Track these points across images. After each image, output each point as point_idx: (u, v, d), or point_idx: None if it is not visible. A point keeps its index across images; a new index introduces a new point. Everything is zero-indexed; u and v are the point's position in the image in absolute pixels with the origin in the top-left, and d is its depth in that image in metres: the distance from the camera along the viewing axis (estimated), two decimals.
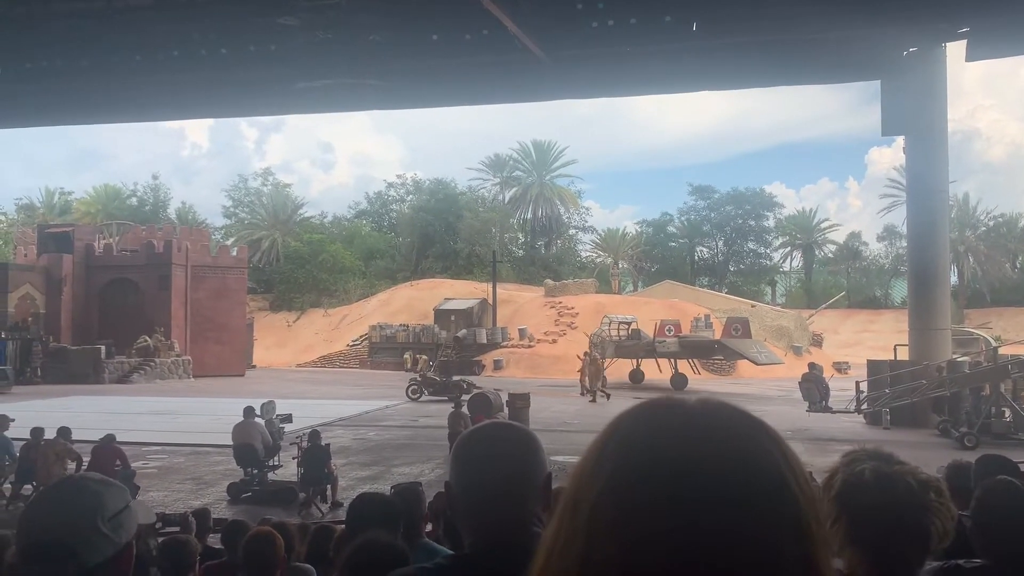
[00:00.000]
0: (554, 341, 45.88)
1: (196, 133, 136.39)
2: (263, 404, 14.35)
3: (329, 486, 13.03)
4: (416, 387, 30.27)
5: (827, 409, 23.32)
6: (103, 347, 39.27)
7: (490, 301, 49.52)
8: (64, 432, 13.05)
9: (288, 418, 14.49)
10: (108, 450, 12.56)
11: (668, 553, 0.65)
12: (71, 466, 12.48)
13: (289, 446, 13.80)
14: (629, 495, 0.68)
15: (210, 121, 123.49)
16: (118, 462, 12.35)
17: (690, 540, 0.65)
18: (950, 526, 1.75)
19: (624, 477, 0.69)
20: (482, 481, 1.59)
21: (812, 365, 25.52)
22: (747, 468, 0.68)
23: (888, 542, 1.66)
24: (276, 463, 13.69)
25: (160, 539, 5.20)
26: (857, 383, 23.79)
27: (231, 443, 13.73)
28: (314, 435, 13.32)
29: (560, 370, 42.19)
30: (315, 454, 12.82)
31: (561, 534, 0.71)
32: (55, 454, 12.47)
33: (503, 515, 1.58)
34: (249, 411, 13.80)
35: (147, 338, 40.80)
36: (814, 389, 23.73)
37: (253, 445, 13.25)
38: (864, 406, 22.80)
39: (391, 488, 4.65)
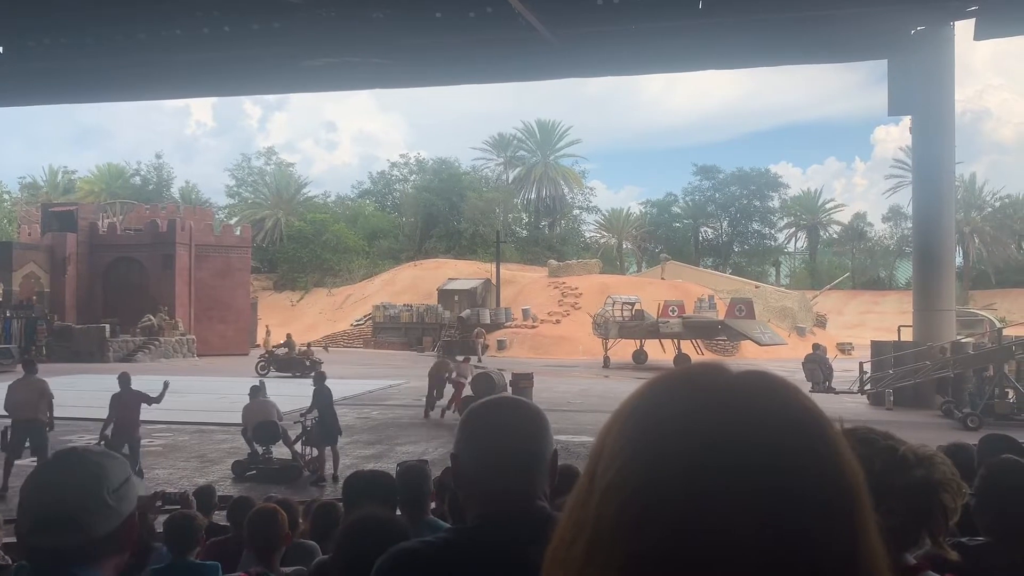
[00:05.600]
0: (557, 321, 45.91)
1: (200, 111, 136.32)
2: (252, 387, 14.24)
3: (330, 463, 13.20)
4: (264, 363, 31.00)
5: (830, 390, 23.35)
6: (108, 326, 39.39)
7: (494, 281, 49.53)
8: (257, 390, 13.74)
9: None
10: (131, 395, 13.09)
11: (710, 540, 0.59)
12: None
13: (293, 424, 13.88)
14: (677, 480, 0.60)
15: (213, 99, 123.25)
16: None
17: (738, 526, 0.58)
18: (960, 503, 1.78)
19: (667, 460, 0.62)
20: (491, 449, 1.57)
21: (816, 346, 25.53)
22: (806, 451, 0.62)
23: (923, 521, 1.70)
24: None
25: (166, 515, 5.23)
26: (861, 364, 23.81)
27: (241, 423, 13.69)
28: (319, 377, 13.68)
29: (563, 350, 42.26)
30: (325, 400, 13.20)
31: (584, 517, 0.65)
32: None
33: (510, 486, 1.56)
34: (256, 389, 13.80)
35: (151, 317, 40.91)
36: (817, 370, 23.76)
37: (274, 421, 13.25)
38: (868, 386, 22.83)
39: (397, 465, 4.66)
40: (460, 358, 21.56)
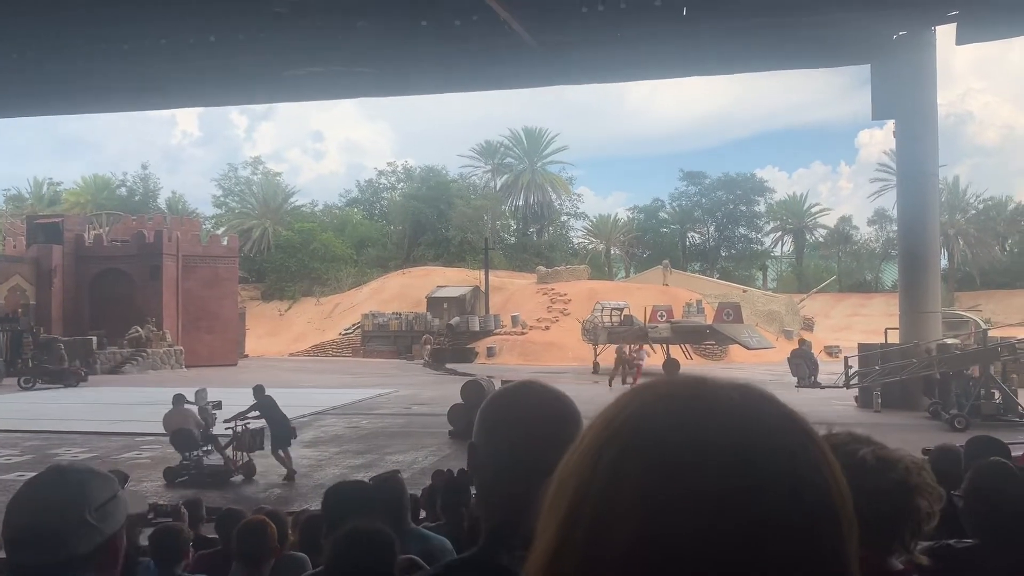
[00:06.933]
0: (547, 328, 45.93)
1: (186, 121, 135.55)
2: (196, 392, 14.76)
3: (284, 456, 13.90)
4: (28, 378, 31.32)
5: (816, 384, 23.48)
6: (94, 338, 39.14)
7: (482, 288, 49.51)
8: (180, 398, 14.23)
9: (218, 404, 14.65)
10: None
11: (688, 555, 0.58)
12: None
13: (226, 430, 14.17)
14: (649, 487, 0.59)
15: (199, 108, 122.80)
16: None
17: (719, 542, 0.57)
18: (937, 507, 1.77)
19: (646, 467, 0.60)
20: (514, 447, 1.31)
21: (801, 341, 25.68)
22: (789, 461, 0.61)
23: (888, 524, 1.66)
24: (208, 448, 14.06)
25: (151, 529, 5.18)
26: (846, 358, 23.93)
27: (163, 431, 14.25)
28: (259, 389, 14.15)
29: (553, 356, 42.27)
30: (272, 411, 13.82)
31: (557, 534, 0.63)
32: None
33: (532, 493, 1.28)
34: (179, 398, 14.21)
35: (139, 328, 40.68)
36: (803, 365, 23.87)
37: (190, 429, 13.75)
38: (854, 381, 22.90)
39: (370, 479, 4.64)
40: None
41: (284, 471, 13.84)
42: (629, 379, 27.47)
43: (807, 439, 0.64)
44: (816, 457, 0.63)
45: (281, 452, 13.92)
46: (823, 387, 23.19)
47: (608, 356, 36.77)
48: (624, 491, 0.61)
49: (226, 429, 13.96)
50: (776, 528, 0.59)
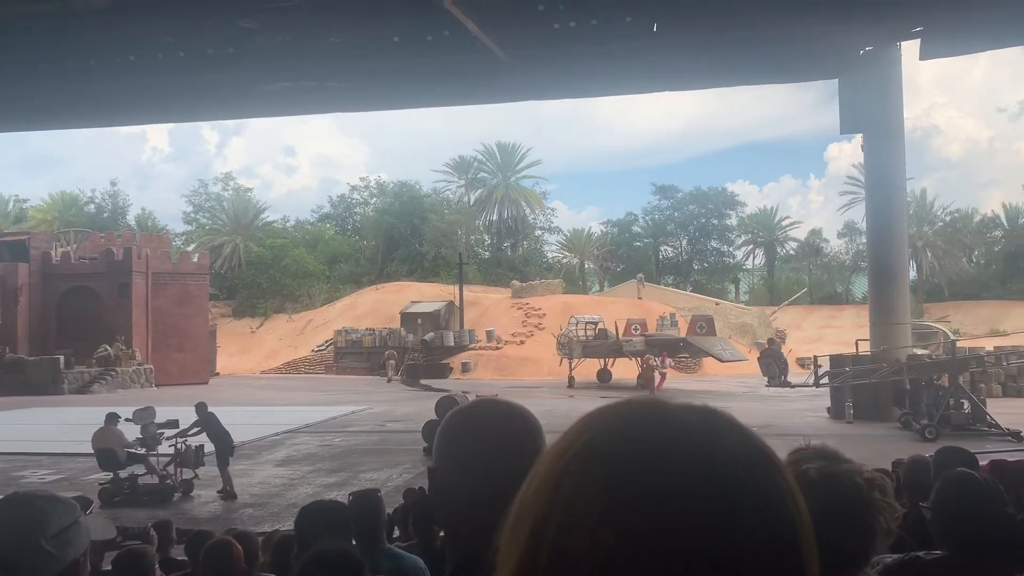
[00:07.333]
0: (522, 342, 45.91)
1: (156, 136, 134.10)
2: (138, 410, 14.67)
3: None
4: None
5: (786, 383, 23.64)
6: (62, 357, 38.53)
7: (457, 303, 49.42)
8: (112, 417, 14.19)
9: (174, 423, 14.55)
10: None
11: (650, 568, 0.57)
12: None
13: (169, 447, 14.26)
14: (610, 505, 0.59)
15: (170, 124, 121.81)
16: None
17: (677, 551, 0.57)
18: (894, 524, 1.75)
19: (607, 486, 0.59)
20: (475, 474, 1.22)
21: (771, 340, 25.90)
22: (746, 479, 0.61)
23: (833, 541, 1.64)
24: (142, 470, 14.08)
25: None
26: (815, 357, 24.07)
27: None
28: (201, 406, 14.40)
29: (528, 371, 42.25)
30: (214, 426, 14.05)
31: (517, 566, 0.62)
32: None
33: (497, 521, 1.24)
34: (111, 417, 14.22)
35: (107, 347, 40.10)
36: (773, 364, 24.04)
37: (113, 450, 13.81)
38: (824, 380, 23.08)
39: (348, 495, 4.59)
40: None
41: (222, 487, 14.02)
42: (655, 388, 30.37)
43: (767, 463, 0.63)
44: (777, 481, 0.63)
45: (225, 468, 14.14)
46: (793, 386, 23.37)
47: (584, 370, 36.84)
48: (584, 519, 0.59)
49: (169, 447, 14.13)
50: (738, 552, 0.58)
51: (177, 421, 14.53)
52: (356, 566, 2.45)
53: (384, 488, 13.37)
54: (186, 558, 5.89)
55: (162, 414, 15.03)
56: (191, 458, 14.09)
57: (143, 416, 14.40)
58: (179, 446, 14.09)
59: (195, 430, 14.26)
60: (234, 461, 17.05)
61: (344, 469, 16.27)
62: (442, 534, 1.34)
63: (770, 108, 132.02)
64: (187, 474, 14.26)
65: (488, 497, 1.10)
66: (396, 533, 6.47)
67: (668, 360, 35.12)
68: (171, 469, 14.09)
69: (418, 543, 4.71)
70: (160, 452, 14.37)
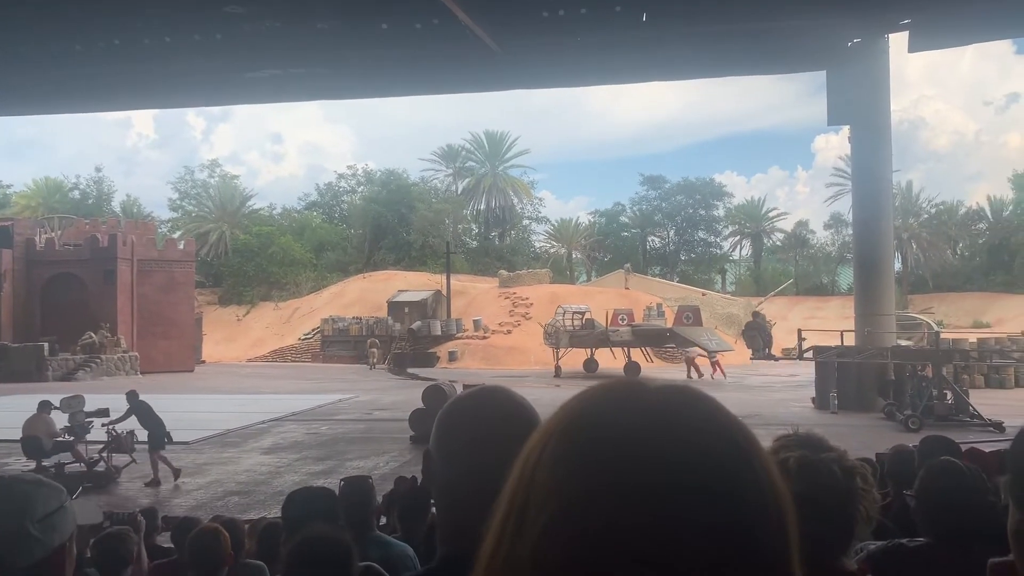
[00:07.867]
0: (509, 332, 45.93)
1: (141, 123, 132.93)
2: (66, 398, 14.70)
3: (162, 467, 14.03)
4: None
5: (770, 356, 23.76)
6: (46, 344, 38.27)
7: (444, 292, 49.38)
8: (45, 405, 14.29)
9: (104, 412, 14.50)
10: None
11: (625, 550, 0.58)
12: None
13: (106, 434, 14.27)
14: (585, 487, 0.60)
15: (155, 110, 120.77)
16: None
17: (655, 534, 0.58)
18: (874, 512, 1.75)
19: (582, 468, 0.61)
20: (470, 464, 1.22)
21: (756, 314, 26.00)
22: (720, 459, 0.62)
23: (812, 529, 1.64)
24: (70, 459, 14.04)
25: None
26: (799, 330, 24.14)
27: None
28: (132, 395, 14.41)
29: (515, 360, 42.28)
30: (146, 413, 14.03)
31: (506, 534, 0.63)
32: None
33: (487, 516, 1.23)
34: (44, 405, 14.27)
35: (92, 334, 39.84)
36: (757, 337, 24.13)
37: (38, 437, 13.80)
38: (808, 353, 23.23)
39: (340, 481, 4.60)
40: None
41: (152, 474, 14.00)
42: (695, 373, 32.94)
43: (739, 435, 0.64)
44: (746, 452, 0.64)
45: (157, 455, 14.10)
46: (777, 359, 23.51)
47: (571, 359, 36.93)
48: (561, 508, 0.61)
49: (106, 434, 14.20)
50: (703, 522, 0.59)
51: (107, 410, 14.52)
52: (344, 550, 2.45)
53: (371, 476, 13.38)
54: (172, 545, 5.88)
55: (162, 403, 15.11)
56: (126, 444, 14.16)
57: (71, 404, 14.42)
58: (113, 432, 14.17)
59: (126, 418, 14.26)
60: (221, 449, 17.10)
61: (331, 457, 16.26)
62: (431, 524, 1.33)
63: (757, 99, 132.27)
64: (123, 460, 14.33)
65: (485, 484, 1.03)
66: (383, 521, 6.48)
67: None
68: (105, 455, 14.13)
69: (401, 536, 4.71)
70: (93, 440, 14.43)
